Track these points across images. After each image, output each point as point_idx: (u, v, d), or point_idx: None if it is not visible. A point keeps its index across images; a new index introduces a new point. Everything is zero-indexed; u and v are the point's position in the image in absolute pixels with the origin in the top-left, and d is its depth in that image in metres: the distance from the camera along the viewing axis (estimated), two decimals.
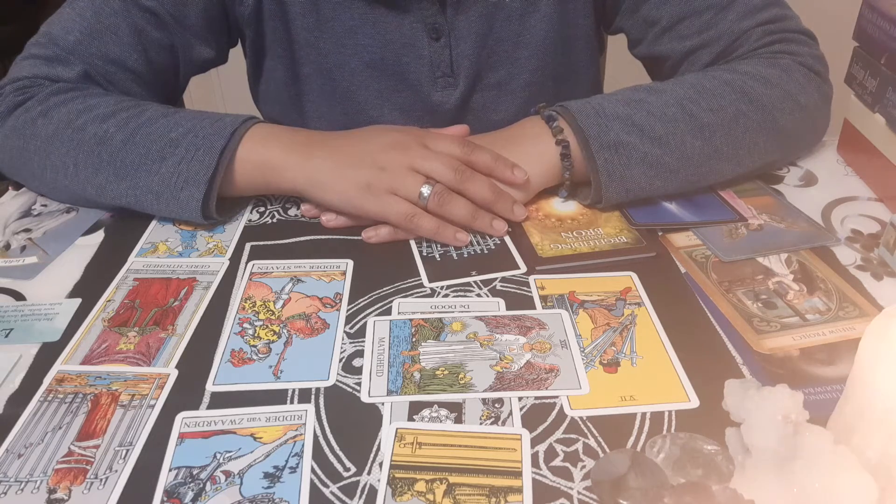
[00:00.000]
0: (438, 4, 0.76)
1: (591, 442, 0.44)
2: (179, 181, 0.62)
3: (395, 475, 0.42)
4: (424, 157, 0.63)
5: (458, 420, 0.46)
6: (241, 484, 0.42)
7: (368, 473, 0.43)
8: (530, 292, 0.57)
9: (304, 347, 0.52)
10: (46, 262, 0.63)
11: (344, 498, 0.41)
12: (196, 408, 0.47)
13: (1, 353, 0.53)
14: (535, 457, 0.43)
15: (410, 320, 0.54)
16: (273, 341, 0.53)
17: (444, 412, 0.47)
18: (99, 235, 0.67)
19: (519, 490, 0.41)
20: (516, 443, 0.44)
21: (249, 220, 0.68)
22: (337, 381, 0.49)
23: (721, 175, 0.68)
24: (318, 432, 0.45)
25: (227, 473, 0.43)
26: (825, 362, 0.50)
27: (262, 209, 0.70)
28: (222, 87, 2.05)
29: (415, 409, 0.47)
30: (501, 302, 0.56)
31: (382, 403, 0.47)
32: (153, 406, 0.47)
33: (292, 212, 0.69)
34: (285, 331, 0.54)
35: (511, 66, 0.81)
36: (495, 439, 0.44)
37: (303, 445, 0.44)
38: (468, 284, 0.59)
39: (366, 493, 0.42)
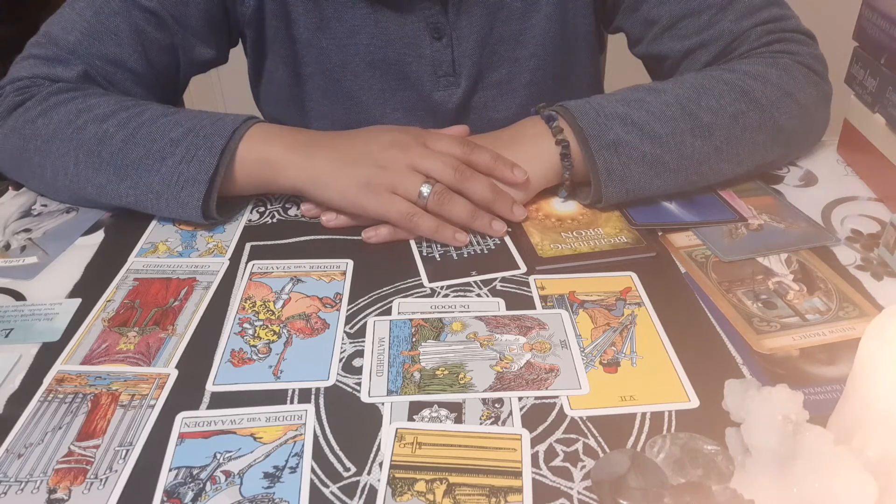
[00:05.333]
0: (440, 4, 0.76)
1: (591, 442, 0.44)
2: (180, 181, 0.62)
3: (395, 475, 0.42)
4: (424, 156, 0.63)
5: (458, 420, 0.46)
6: (241, 484, 0.42)
7: (368, 473, 0.43)
8: (530, 292, 0.57)
9: (304, 347, 0.52)
10: (46, 262, 0.63)
11: (344, 498, 0.41)
12: (196, 408, 0.47)
13: (1, 353, 0.53)
14: (535, 457, 0.43)
15: (410, 320, 0.54)
16: (273, 341, 0.53)
17: (444, 412, 0.47)
18: (99, 235, 0.67)
19: (519, 490, 0.41)
20: (516, 443, 0.44)
21: (249, 220, 0.68)
22: (337, 381, 0.49)
23: (721, 175, 0.68)
24: (318, 432, 0.45)
25: (227, 473, 0.43)
26: (825, 362, 0.50)
27: (262, 209, 0.70)
28: (222, 87, 2.05)
29: (415, 409, 0.47)
30: (501, 302, 0.56)
31: (382, 403, 0.47)
32: (153, 406, 0.47)
33: (292, 212, 0.69)
34: (285, 331, 0.54)
35: (512, 65, 0.81)
36: (495, 439, 0.44)
37: (303, 445, 0.44)
38: (468, 284, 0.59)
39: (366, 493, 0.42)
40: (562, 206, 0.68)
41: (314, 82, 0.82)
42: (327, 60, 0.80)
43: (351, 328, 0.54)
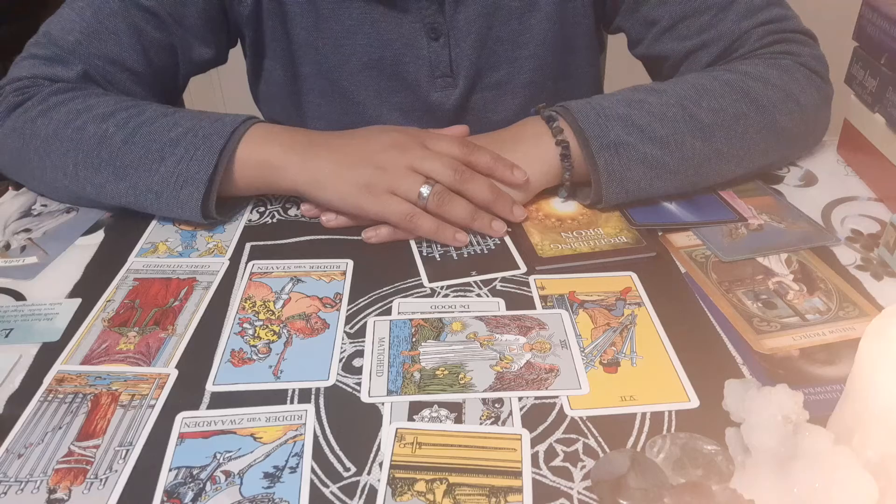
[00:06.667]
0: (437, 4, 0.76)
1: (591, 442, 0.44)
2: (179, 181, 0.62)
3: (395, 475, 0.42)
4: (424, 157, 0.63)
5: (458, 420, 0.46)
6: (241, 484, 0.42)
7: (368, 473, 0.43)
8: (530, 292, 0.57)
9: (304, 347, 0.52)
10: (46, 262, 0.63)
11: (344, 498, 0.41)
12: (196, 408, 0.47)
13: (1, 353, 0.53)
14: (535, 457, 0.43)
15: (410, 320, 0.54)
16: (273, 341, 0.53)
17: (444, 412, 0.47)
18: (99, 235, 0.67)
19: (519, 490, 0.41)
20: (516, 443, 0.44)
21: (249, 220, 0.68)
22: (337, 381, 0.49)
23: (721, 175, 0.68)
24: (318, 432, 0.45)
25: (227, 473, 0.43)
26: (825, 362, 0.50)
27: (262, 209, 0.70)
28: (222, 87, 2.05)
29: (415, 409, 0.47)
30: (501, 302, 0.56)
31: (382, 403, 0.47)
32: (153, 406, 0.47)
33: (292, 212, 0.69)
34: (285, 331, 0.54)
35: (511, 65, 0.81)
36: (495, 439, 0.44)
37: (303, 445, 0.44)
38: (468, 284, 0.59)
39: (366, 493, 0.42)
40: (562, 206, 0.68)
41: (311, 82, 0.82)
42: (324, 60, 0.80)
43: (351, 328, 0.54)
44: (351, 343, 0.53)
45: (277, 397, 0.48)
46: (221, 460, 0.43)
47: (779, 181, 0.72)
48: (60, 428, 0.46)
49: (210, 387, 0.49)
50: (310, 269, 0.61)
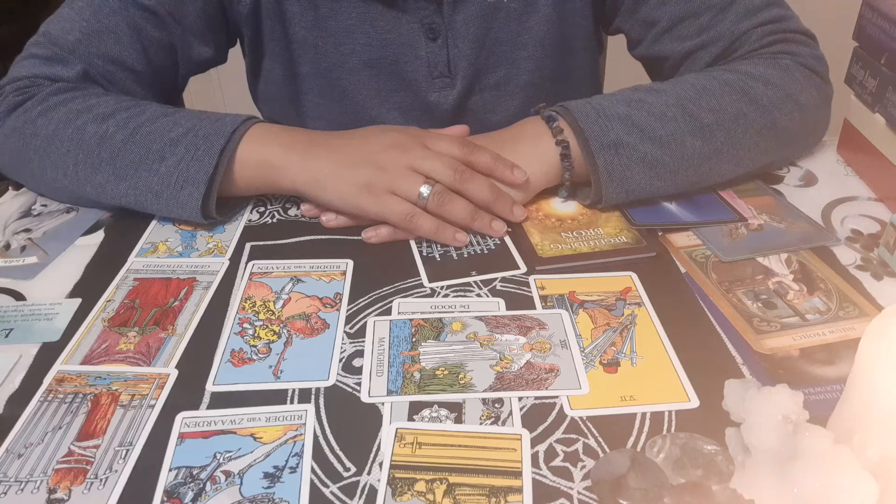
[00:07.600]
0: (436, 4, 0.76)
1: (591, 442, 0.44)
2: (179, 181, 0.62)
3: (395, 475, 0.42)
4: (424, 157, 0.63)
5: (458, 420, 0.46)
6: (241, 484, 0.42)
7: (368, 473, 0.43)
8: (530, 292, 0.57)
9: (304, 347, 0.52)
10: (46, 262, 0.63)
11: (344, 498, 0.41)
12: (196, 408, 0.47)
13: (1, 353, 0.53)
14: (535, 457, 0.43)
15: (410, 320, 0.54)
16: (273, 341, 0.53)
17: (444, 412, 0.47)
18: (99, 235, 0.67)
19: (519, 490, 0.41)
20: (516, 443, 0.44)
21: (249, 220, 0.68)
22: (337, 381, 0.49)
23: (721, 175, 0.68)
24: (318, 432, 0.45)
25: (227, 473, 0.43)
26: (825, 362, 0.50)
27: (262, 209, 0.70)
28: (222, 87, 2.05)
29: (415, 409, 0.47)
30: (501, 302, 0.56)
31: (382, 403, 0.47)
32: (153, 406, 0.47)
33: (292, 212, 0.69)
34: (285, 331, 0.54)
35: (509, 66, 0.81)
36: (495, 439, 0.44)
37: (303, 445, 0.44)
38: (468, 284, 0.59)
39: (366, 493, 0.42)
40: (562, 206, 0.68)
41: (310, 81, 0.82)
42: (323, 59, 0.80)
43: (351, 328, 0.54)
44: (351, 343, 0.53)
45: (277, 397, 0.48)
46: (221, 460, 0.43)
47: (779, 181, 0.72)
48: (60, 428, 0.46)
49: (210, 387, 0.49)
50: (310, 269, 0.61)
